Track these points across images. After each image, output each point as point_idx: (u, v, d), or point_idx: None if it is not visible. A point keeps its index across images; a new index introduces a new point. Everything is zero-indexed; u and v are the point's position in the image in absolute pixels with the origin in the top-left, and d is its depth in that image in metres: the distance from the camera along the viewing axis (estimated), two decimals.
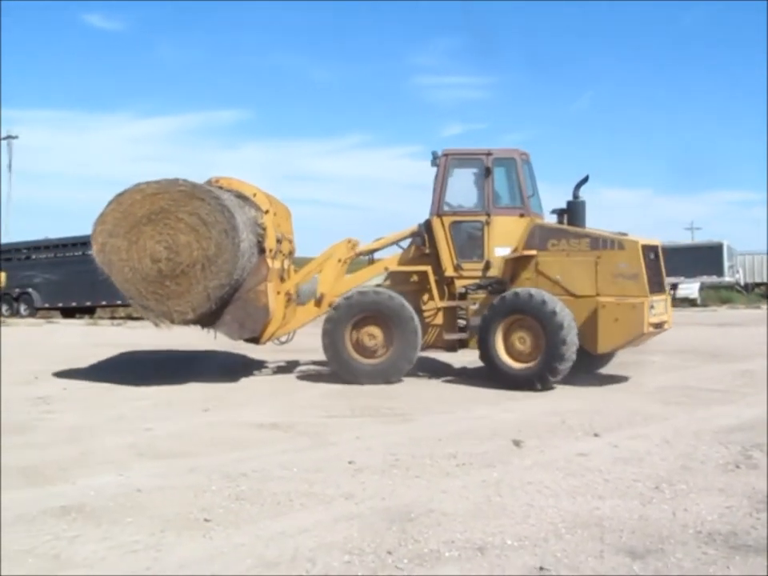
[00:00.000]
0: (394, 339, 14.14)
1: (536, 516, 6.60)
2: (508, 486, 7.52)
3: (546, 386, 13.46)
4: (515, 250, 14.47)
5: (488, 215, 14.56)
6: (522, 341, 13.71)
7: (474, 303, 14.67)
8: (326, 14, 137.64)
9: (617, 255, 13.71)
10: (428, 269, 14.80)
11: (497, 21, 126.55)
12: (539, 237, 14.28)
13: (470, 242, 14.86)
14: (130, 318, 33.01)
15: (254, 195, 14.73)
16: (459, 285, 14.85)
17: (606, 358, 15.26)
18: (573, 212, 14.75)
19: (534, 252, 14.22)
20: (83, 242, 29.15)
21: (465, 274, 14.75)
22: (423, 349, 14.73)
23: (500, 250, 14.53)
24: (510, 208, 14.73)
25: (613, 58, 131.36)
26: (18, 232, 69.34)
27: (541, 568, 5.50)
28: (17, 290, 37.44)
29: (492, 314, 13.86)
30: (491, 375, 13.99)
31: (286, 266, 15.53)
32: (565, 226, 14.55)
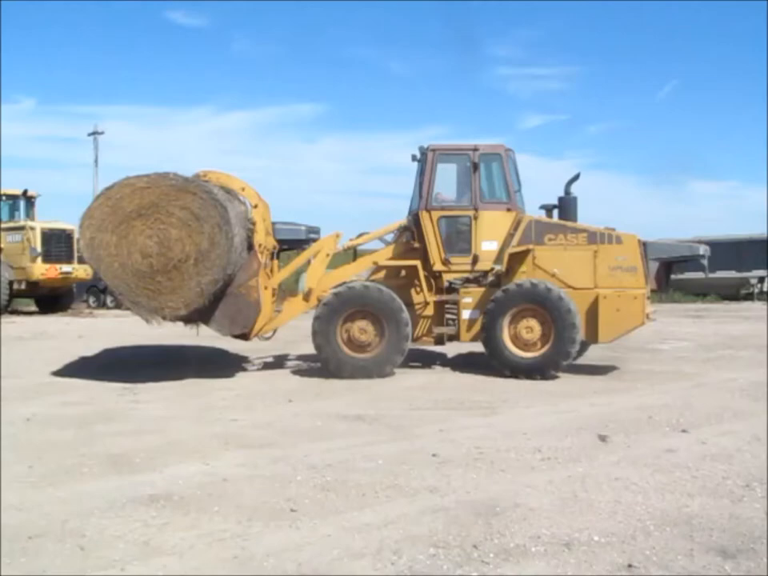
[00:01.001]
0: (385, 332, 14.15)
1: (623, 512, 6.52)
2: (594, 481, 7.45)
3: (547, 377, 13.80)
4: (503, 244, 14.75)
5: (476, 210, 14.70)
6: (529, 330, 14.01)
7: (467, 297, 14.77)
8: (403, 5, 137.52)
9: (615, 249, 14.28)
10: (417, 263, 14.89)
11: (574, 10, 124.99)
12: (536, 231, 14.63)
13: (458, 237, 15.00)
14: None
15: (243, 189, 14.71)
16: (446, 278, 15.10)
17: (583, 349, 15.51)
18: (565, 208, 15.21)
19: (532, 246, 14.53)
20: None
21: (453, 268, 14.95)
22: (411, 342, 14.70)
23: (487, 244, 14.74)
24: (497, 203, 14.88)
25: (696, 48, 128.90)
26: None
27: (630, 565, 5.43)
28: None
29: (502, 303, 14.08)
30: (495, 363, 14.21)
31: (269, 261, 15.37)
32: (562, 221, 14.91)
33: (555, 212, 15.32)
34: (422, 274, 14.82)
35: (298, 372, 14.86)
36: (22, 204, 32.81)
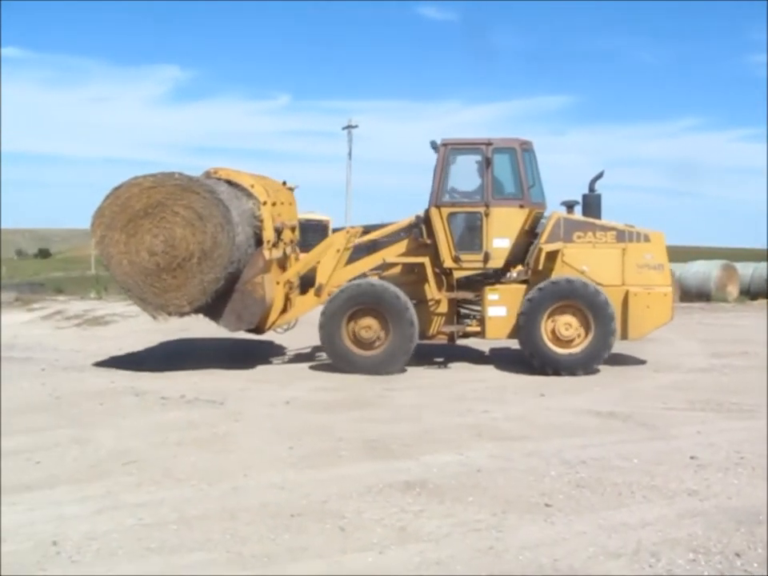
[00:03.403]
0: (390, 330, 13.85)
1: None
2: None
3: (589, 372, 13.68)
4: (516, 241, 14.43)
5: (487, 206, 14.29)
6: (568, 327, 13.79)
7: (493, 294, 14.29)
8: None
9: (643, 247, 14.27)
10: (425, 260, 14.50)
11: None
12: (564, 229, 14.37)
13: (469, 233, 14.61)
14: None
15: (252, 186, 14.62)
16: (457, 275, 14.63)
17: None
18: (589, 205, 14.96)
19: (561, 244, 14.25)
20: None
21: (464, 265, 14.54)
22: (423, 339, 14.42)
23: (499, 241, 14.38)
24: (509, 198, 14.48)
25: None
26: (357, 216, 72.29)
27: None
28: None
29: (539, 300, 13.80)
30: (535, 362, 13.81)
31: (288, 254, 15.32)
32: (591, 219, 14.62)
33: (577, 209, 14.92)
34: (429, 271, 14.47)
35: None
36: None
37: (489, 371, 14.11)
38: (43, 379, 13.27)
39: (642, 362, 14.77)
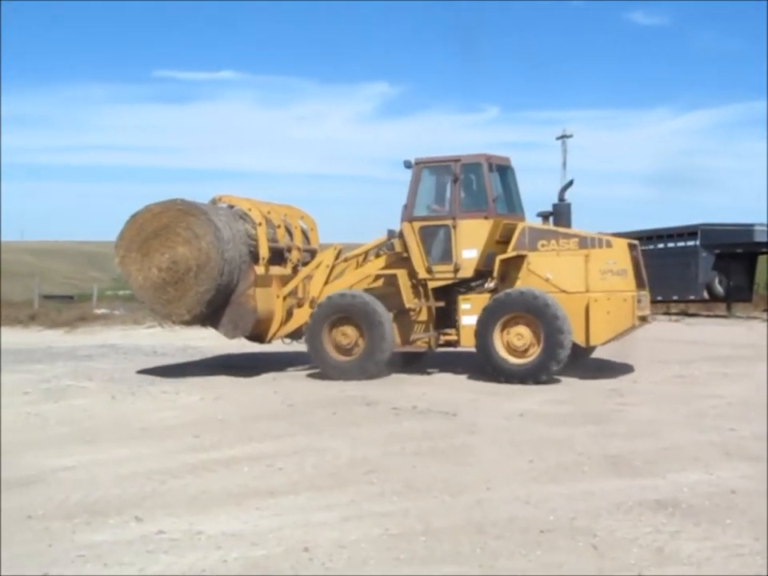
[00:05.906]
0: (365, 338, 14.91)
1: None
2: None
3: (538, 382, 13.83)
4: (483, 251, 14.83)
5: (454, 219, 15.00)
6: (519, 338, 14.16)
7: (466, 303, 14.98)
8: None
9: (605, 253, 14.46)
10: (398, 272, 15.48)
11: None
12: (529, 237, 14.84)
13: (440, 245, 15.30)
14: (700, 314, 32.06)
15: (249, 210, 16.23)
16: (432, 286, 15.34)
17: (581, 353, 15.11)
18: (559, 214, 15.48)
19: (525, 252, 14.72)
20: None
21: (436, 276, 15.28)
22: (405, 347, 15.47)
23: (467, 252, 14.99)
24: (474, 211, 15.08)
25: None
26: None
27: None
28: None
29: (491, 312, 14.27)
30: (488, 370, 14.31)
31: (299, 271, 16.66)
32: (554, 227, 15.18)
33: (552, 219, 15.52)
34: (404, 281, 15.34)
35: None
36: None
37: (726, 386, 13.60)
38: (275, 387, 13.79)
39: None
